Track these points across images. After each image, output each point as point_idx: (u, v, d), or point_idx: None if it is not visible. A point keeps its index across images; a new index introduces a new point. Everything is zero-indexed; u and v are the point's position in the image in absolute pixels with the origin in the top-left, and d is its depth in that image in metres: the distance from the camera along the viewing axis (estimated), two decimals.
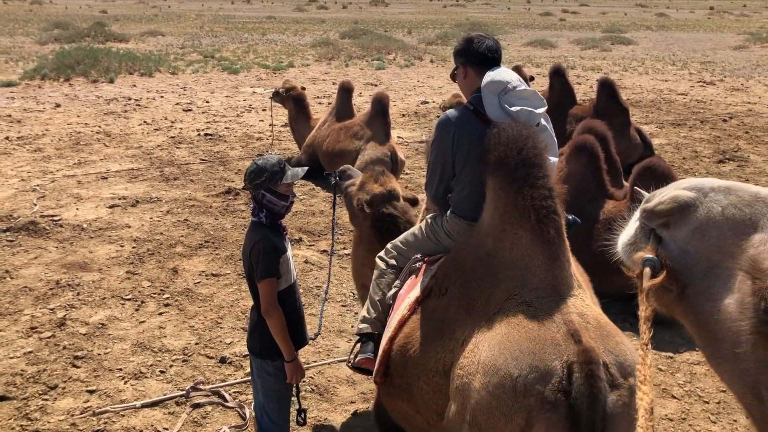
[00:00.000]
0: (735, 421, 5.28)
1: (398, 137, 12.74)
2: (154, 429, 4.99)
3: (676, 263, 1.32)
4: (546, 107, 3.35)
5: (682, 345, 6.38)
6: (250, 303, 6.92)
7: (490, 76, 3.23)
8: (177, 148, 13.11)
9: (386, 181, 4.56)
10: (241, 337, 6.33)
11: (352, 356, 4.01)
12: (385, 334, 3.44)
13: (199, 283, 7.42)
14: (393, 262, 3.70)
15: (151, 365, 5.79)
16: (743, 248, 1.22)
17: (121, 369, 5.72)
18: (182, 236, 8.68)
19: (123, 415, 5.12)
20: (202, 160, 12.30)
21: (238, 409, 5.24)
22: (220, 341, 6.25)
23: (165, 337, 6.27)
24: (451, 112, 3.33)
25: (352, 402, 5.45)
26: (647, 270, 1.34)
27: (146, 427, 5.01)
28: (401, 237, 3.73)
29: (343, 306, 7.03)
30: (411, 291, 3.36)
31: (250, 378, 5.61)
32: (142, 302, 6.91)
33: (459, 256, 3.22)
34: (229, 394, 5.41)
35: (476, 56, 3.37)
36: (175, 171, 11.54)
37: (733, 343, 1.18)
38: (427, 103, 18.44)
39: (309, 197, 10.46)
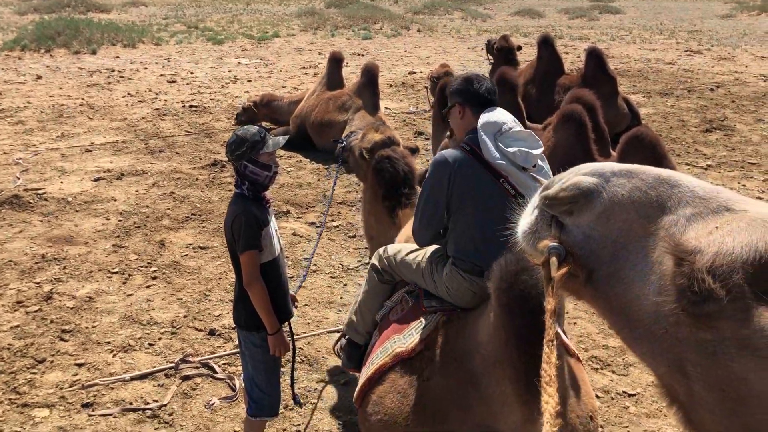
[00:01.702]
0: None
1: (385, 108, 12.66)
2: (144, 401, 4.99)
3: (581, 249, 1.31)
4: (542, 148, 3.27)
5: None
6: None
7: (485, 117, 3.19)
8: (162, 120, 12.96)
9: (385, 130, 4.67)
10: (230, 309, 6.30)
11: (338, 349, 4.07)
12: (366, 368, 3.31)
13: (186, 255, 7.39)
14: (386, 276, 3.57)
15: (139, 338, 5.78)
16: (652, 231, 1.22)
17: (109, 342, 5.71)
18: (168, 209, 8.62)
19: (112, 388, 5.12)
20: (188, 132, 12.17)
21: (228, 381, 5.25)
22: (209, 314, 6.24)
23: (153, 310, 6.25)
24: (448, 152, 3.22)
25: (341, 372, 5.47)
26: (553, 259, 1.31)
27: (136, 399, 5.02)
28: (401, 254, 3.51)
29: (332, 278, 7.03)
30: (398, 333, 3.20)
31: (239, 350, 5.64)
32: (130, 275, 6.87)
33: (452, 339, 3.00)
34: (219, 366, 5.41)
35: (475, 97, 3.34)
36: (160, 143, 11.42)
37: (653, 324, 1.17)
38: (415, 73, 18.31)
39: (296, 169, 10.40)
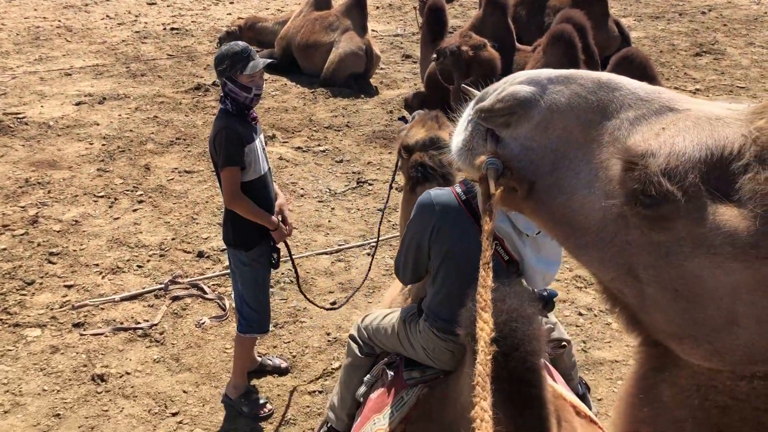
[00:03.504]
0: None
1: (372, 30, 12.35)
2: (135, 321, 5.05)
3: (520, 162, 1.26)
4: None
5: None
6: None
7: None
8: (142, 43, 12.61)
9: (433, 127, 3.87)
10: (218, 232, 6.32)
11: None
12: None
13: (172, 179, 7.33)
14: (366, 349, 3.20)
15: (128, 260, 5.79)
16: (594, 137, 1.18)
17: (97, 264, 5.72)
18: (152, 133, 8.49)
19: (102, 308, 5.17)
20: (169, 55, 11.87)
21: (218, 301, 5.31)
22: (197, 236, 6.24)
23: (140, 233, 6.24)
24: (437, 197, 2.77)
25: (330, 292, 5.55)
26: (492, 173, 1.25)
27: (126, 319, 5.07)
28: (376, 321, 3.16)
29: (319, 202, 7.03)
30: (377, 412, 2.92)
31: (228, 271, 5.68)
32: (116, 199, 6.83)
33: (436, 410, 2.76)
34: (208, 287, 5.46)
35: None
36: (141, 67, 11.14)
37: (600, 231, 1.16)
38: None
39: (281, 93, 10.22)
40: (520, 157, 1.26)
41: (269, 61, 4.07)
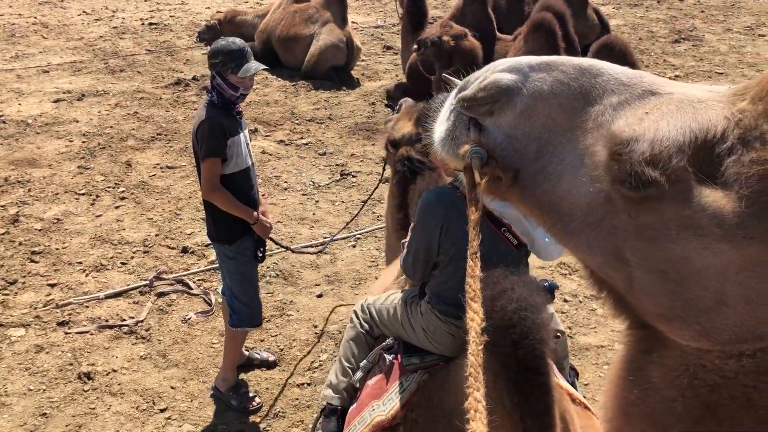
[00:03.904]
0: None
1: (353, 22, 12.30)
2: (120, 318, 5.02)
3: (503, 150, 1.26)
4: None
5: None
6: None
7: None
8: (120, 38, 12.47)
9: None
10: (202, 227, 6.28)
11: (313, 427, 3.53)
12: None
13: (154, 175, 7.28)
14: (366, 326, 3.21)
15: (111, 257, 5.75)
16: (578, 123, 1.18)
17: (81, 262, 5.67)
18: (133, 129, 8.41)
19: (87, 306, 5.13)
20: (148, 50, 11.75)
21: (203, 296, 5.29)
22: (181, 232, 6.21)
23: (124, 229, 6.19)
24: (440, 195, 2.83)
25: (316, 285, 5.54)
26: (476, 162, 1.25)
27: (112, 316, 5.04)
28: (378, 303, 3.18)
29: (303, 195, 7.01)
30: (377, 398, 2.90)
31: (212, 266, 5.66)
32: (97, 196, 6.77)
33: (437, 396, 2.73)
34: (194, 282, 5.44)
35: None
36: (120, 63, 11.02)
37: (587, 216, 1.16)
38: None
39: (263, 87, 10.16)
40: (503, 146, 1.26)
41: (262, 67, 4.01)
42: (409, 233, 3.04)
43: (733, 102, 1.06)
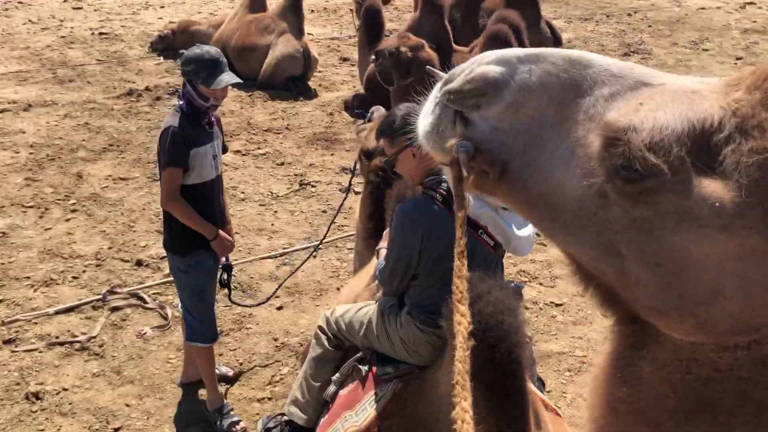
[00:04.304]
0: None
1: (308, 34, 12.26)
2: (71, 334, 4.83)
3: (490, 143, 1.22)
4: None
5: None
6: None
7: None
8: (69, 48, 12.15)
9: None
10: (156, 239, 6.12)
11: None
12: None
13: (106, 187, 7.07)
14: (335, 342, 3.11)
15: (62, 271, 5.54)
16: (567, 115, 1.16)
17: (29, 277, 5.45)
18: (84, 140, 8.17)
19: (36, 323, 4.92)
20: (99, 60, 11.48)
21: (159, 310, 5.13)
22: (135, 244, 6.03)
23: (75, 243, 5.98)
24: (417, 205, 2.78)
25: (276, 296, 5.43)
26: (463, 157, 1.21)
27: (62, 333, 4.84)
28: (349, 313, 3.09)
29: (261, 205, 6.90)
30: (350, 408, 2.84)
31: (168, 279, 5.50)
32: (46, 209, 6.53)
33: (412, 404, 2.68)
34: (149, 296, 5.27)
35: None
36: (69, 73, 10.73)
37: (578, 210, 1.14)
38: None
39: None
40: (491, 139, 1.22)
41: (235, 80, 3.78)
42: (387, 245, 2.98)
43: (727, 92, 1.05)
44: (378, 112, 3.93)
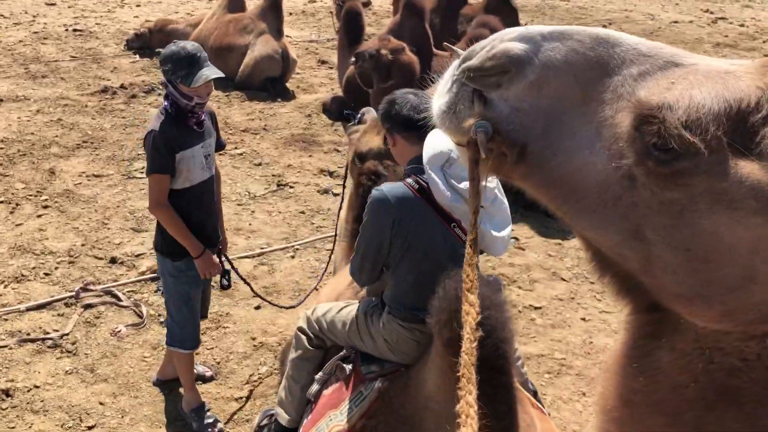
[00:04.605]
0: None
1: (287, 36, 12.21)
2: (43, 331, 4.70)
3: (509, 124, 1.18)
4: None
5: (570, 232, 6.72)
6: (138, 203, 6.60)
7: (429, 147, 2.68)
8: (42, 44, 11.94)
9: None
10: (131, 237, 6.02)
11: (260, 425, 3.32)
12: None
13: (80, 184, 6.93)
14: (316, 341, 3.07)
15: (33, 268, 5.40)
16: (593, 95, 1.13)
17: None
18: (57, 136, 8.01)
19: (6, 319, 4.78)
20: (73, 57, 11.28)
21: (134, 308, 5.02)
22: (109, 242, 5.91)
23: (47, 239, 5.85)
24: (390, 191, 2.71)
25: (253, 296, 5.36)
26: (482, 137, 1.17)
27: (34, 329, 4.71)
28: (331, 313, 3.04)
29: (238, 205, 6.82)
30: (334, 408, 2.80)
31: (143, 278, 5.40)
32: (17, 204, 6.38)
33: (397, 403, 2.64)
34: (123, 294, 5.17)
35: (400, 120, 2.80)
36: (42, 68, 10.53)
37: (603, 193, 1.11)
38: (315, 1, 17.75)
39: None
40: (510, 120, 1.18)
41: (216, 75, 3.56)
42: (359, 235, 2.90)
43: (763, 73, 1.02)
44: (369, 113, 3.88)
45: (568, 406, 4.44)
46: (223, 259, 4.06)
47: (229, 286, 4.11)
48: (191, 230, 3.72)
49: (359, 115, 3.89)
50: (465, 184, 2.63)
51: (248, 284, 4.49)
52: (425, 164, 2.69)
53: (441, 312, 2.22)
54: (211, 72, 3.53)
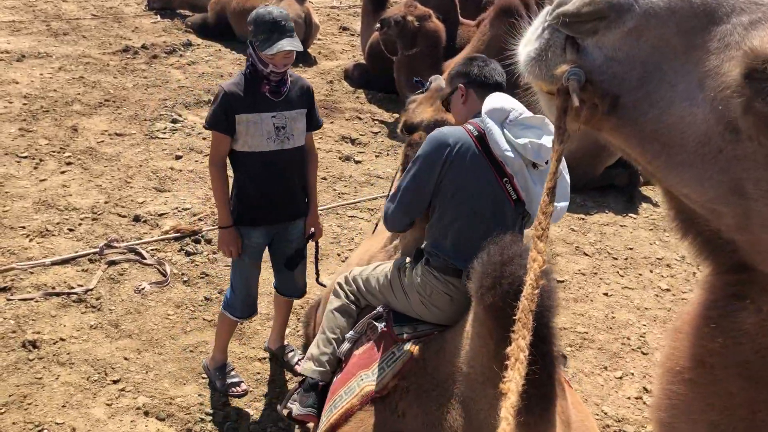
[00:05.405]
0: (640, 275, 5.64)
1: (309, 1, 12.08)
2: (68, 285, 4.73)
3: (602, 74, 1.13)
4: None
5: (593, 207, 6.67)
6: (160, 163, 6.60)
7: (491, 101, 2.73)
8: (64, 1, 11.86)
9: (441, 108, 3.64)
10: (154, 196, 6.02)
11: (289, 402, 3.13)
12: (327, 413, 2.79)
13: (102, 142, 6.92)
14: (352, 297, 3.05)
15: (57, 223, 5.42)
16: (697, 44, 1.07)
17: (24, 227, 5.32)
18: (79, 94, 7.99)
19: (32, 272, 4.81)
20: (94, 15, 11.22)
21: (158, 266, 5.04)
22: (132, 200, 5.92)
23: (70, 195, 5.86)
24: (450, 132, 2.71)
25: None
26: (574, 85, 1.11)
27: (58, 284, 4.74)
28: (366, 273, 3.04)
29: None
30: (365, 368, 2.75)
31: (166, 236, 5.41)
32: (41, 160, 6.38)
33: (431, 365, 2.58)
34: (147, 252, 5.18)
35: (479, 77, 2.89)
36: (63, 26, 10.47)
37: (701, 146, 1.06)
38: None
39: (215, 59, 9.83)
40: (603, 70, 1.12)
41: (294, 47, 3.41)
42: (404, 172, 2.86)
43: None
44: (436, 81, 3.81)
45: (590, 379, 4.44)
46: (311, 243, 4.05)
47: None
48: (253, 199, 3.66)
49: (427, 84, 3.80)
50: (522, 140, 2.62)
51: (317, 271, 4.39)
52: (484, 114, 2.68)
53: (484, 277, 2.15)
54: (289, 44, 3.39)
